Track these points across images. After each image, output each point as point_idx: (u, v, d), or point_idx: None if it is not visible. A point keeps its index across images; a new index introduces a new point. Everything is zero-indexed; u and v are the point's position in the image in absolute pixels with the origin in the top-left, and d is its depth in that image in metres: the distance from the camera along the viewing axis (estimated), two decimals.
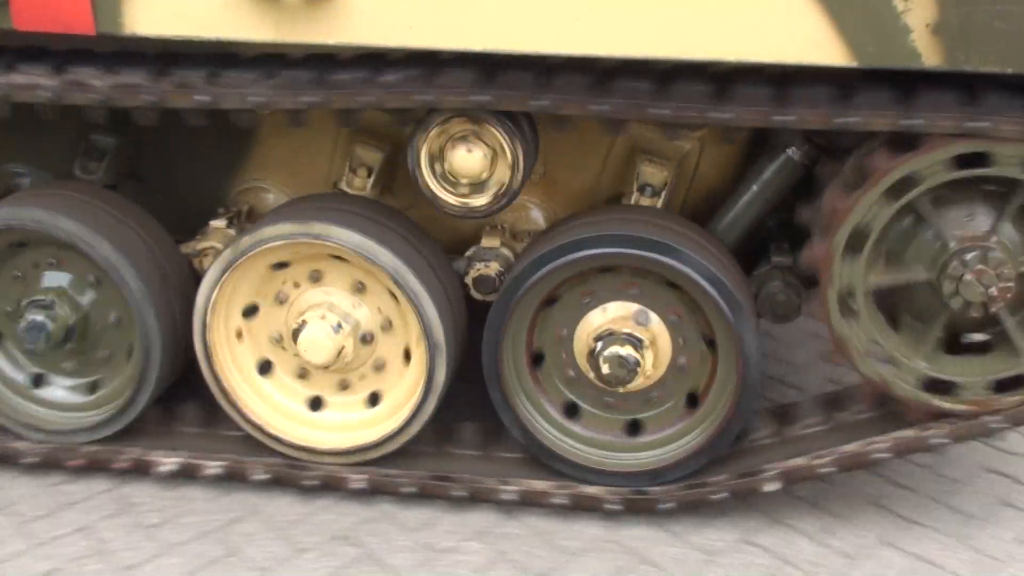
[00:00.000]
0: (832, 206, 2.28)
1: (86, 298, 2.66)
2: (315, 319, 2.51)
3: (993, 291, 2.25)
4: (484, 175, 2.40)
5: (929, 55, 2.06)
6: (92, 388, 2.74)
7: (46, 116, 2.54)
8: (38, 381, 2.75)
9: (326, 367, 2.55)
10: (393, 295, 2.53)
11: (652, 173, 2.58)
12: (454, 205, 2.44)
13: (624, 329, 2.39)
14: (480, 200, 2.43)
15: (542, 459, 2.54)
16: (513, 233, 2.73)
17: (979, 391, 2.38)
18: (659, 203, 2.58)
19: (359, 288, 2.57)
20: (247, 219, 2.81)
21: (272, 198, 2.84)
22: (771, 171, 2.52)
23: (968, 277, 2.25)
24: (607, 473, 2.52)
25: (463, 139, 2.37)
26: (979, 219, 2.29)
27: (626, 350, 2.36)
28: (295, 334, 2.52)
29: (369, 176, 2.67)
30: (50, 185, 2.71)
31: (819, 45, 2.08)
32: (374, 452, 2.59)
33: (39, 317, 2.57)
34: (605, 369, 2.38)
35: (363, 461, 2.61)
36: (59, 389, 2.74)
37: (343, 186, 2.68)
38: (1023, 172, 2.20)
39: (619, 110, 2.25)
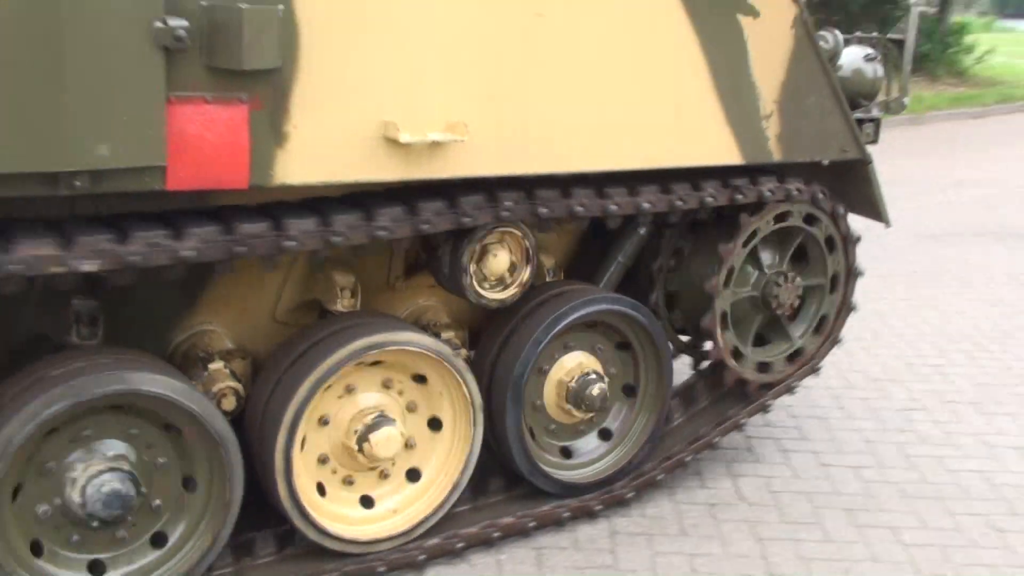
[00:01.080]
0: (718, 254, 3.36)
1: (148, 453, 2.61)
2: (375, 421, 2.86)
3: (788, 302, 3.55)
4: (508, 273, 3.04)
5: (776, 154, 3.27)
6: (157, 541, 2.66)
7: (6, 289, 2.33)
8: (96, 568, 2.58)
9: (394, 458, 2.90)
10: (416, 378, 2.99)
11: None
12: (493, 299, 3.01)
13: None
14: (508, 293, 3.05)
15: None
16: None
17: (781, 366, 3.66)
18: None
19: (388, 384, 2.96)
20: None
21: (220, 338, 2.99)
22: (631, 243, 3.49)
23: (778, 294, 3.51)
24: None
25: (490, 247, 2.98)
26: (780, 257, 3.57)
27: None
28: (361, 440, 2.83)
29: (353, 296, 3.03)
30: (73, 357, 2.56)
31: (727, 151, 3.16)
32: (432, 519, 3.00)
33: (115, 485, 2.49)
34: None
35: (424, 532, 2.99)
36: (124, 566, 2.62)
37: (337, 307, 2.99)
38: (802, 223, 3.53)
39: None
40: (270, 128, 2.39)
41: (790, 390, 3.75)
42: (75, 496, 2.48)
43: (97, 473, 2.48)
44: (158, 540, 2.66)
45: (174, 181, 2.31)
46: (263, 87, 2.36)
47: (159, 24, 2.16)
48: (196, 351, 2.90)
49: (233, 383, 2.84)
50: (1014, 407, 4.52)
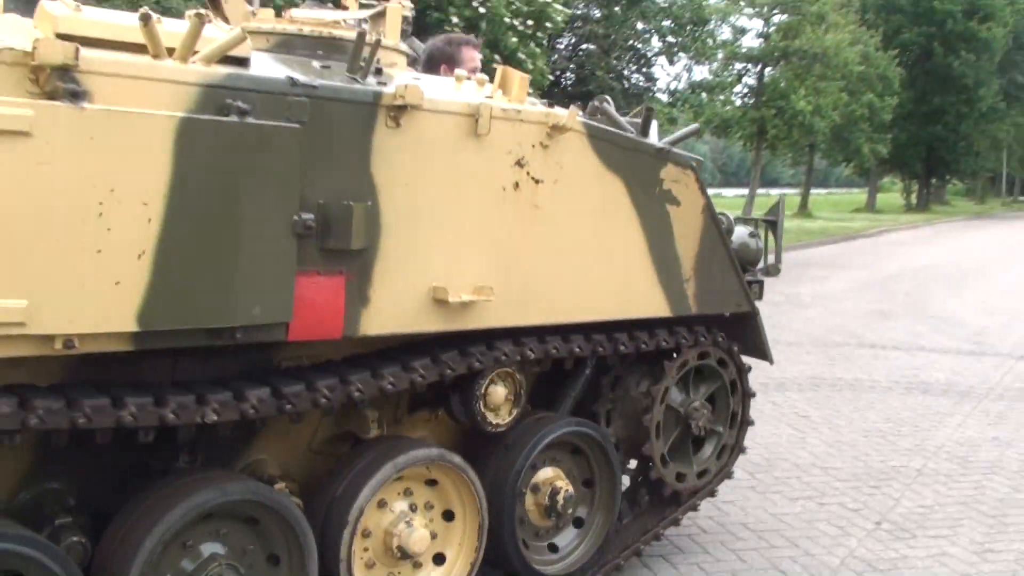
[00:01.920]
0: (650, 394, 4.27)
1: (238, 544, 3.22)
2: (407, 525, 3.57)
3: (704, 424, 4.49)
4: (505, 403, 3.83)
5: (694, 307, 4.24)
6: None
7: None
8: None
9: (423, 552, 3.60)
10: (429, 483, 3.71)
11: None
12: (498, 424, 3.79)
13: None
14: (508, 419, 3.84)
15: None
16: None
17: (712, 466, 4.56)
18: None
19: (408, 492, 3.68)
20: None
21: (271, 465, 3.64)
22: (579, 384, 4.35)
23: (696, 417, 4.44)
24: None
25: (494, 382, 3.78)
26: (697, 391, 4.51)
27: None
28: (401, 543, 3.53)
29: (380, 427, 3.75)
30: (190, 475, 3.18)
31: (660, 306, 4.10)
32: None
33: None
34: None
35: None
36: None
37: (370, 434, 3.70)
38: (718, 366, 4.49)
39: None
40: (358, 293, 3.17)
41: (712, 493, 4.66)
42: None
43: (214, 568, 3.10)
44: None
45: (293, 334, 3.04)
46: (355, 262, 3.14)
47: (296, 217, 2.94)
48: (257, 475, 3.55)
49: (296, 499, 3.49)
50: None
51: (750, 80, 36.82)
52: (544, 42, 19.61)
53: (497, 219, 3.50)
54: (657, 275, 4.06)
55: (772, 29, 36.02)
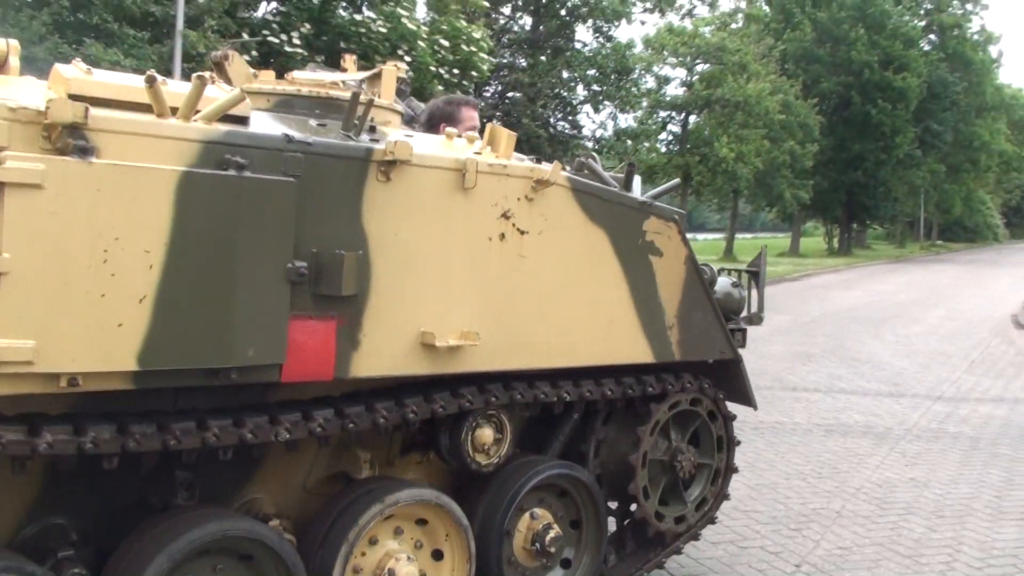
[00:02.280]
0: (636, 436, 4.42)
1: None
2: (397, 563, 3.71)
3: (689, 467, 4.62)
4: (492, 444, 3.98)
5: (678, 354, 4.40)
6: None
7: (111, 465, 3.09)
8: None
9: None
10: (419, 522, 3.85)
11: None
12: (484, 464, 3.94)
13: None
14: (494, 459, 3.99)
15: None
16: None
17: (690, 516, 4.69)
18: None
19: (399, 531, 3.82)
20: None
21: (267, 504, 3.79)
22: (568, 427, 4.50)
23: (683, 462, 4.57)
24: None
25: (480, 425, 3.94)
26: (679, 435, 4.66)
27: None
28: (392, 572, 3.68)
29: (371, 467, 3.91)
30: (187, 511, 3.35)
31: (644, 353, 4.26)
32: None
33: None
34: None
35: None
36: None
37: (362, 476, 3.86)
38: (700, 410, 4.64)
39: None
40: (349, 337, 3.35)
41: (695, 537, 4.79)
42: None
43: None
44: None
45: (286, 375, 3.22)
46: (346, 308, 3.32)
47: (290, 265, 3.13)
48: (253, 513, 3.70)
49: (290, 536, 3.64)
50: None
51: (674, 128, 38.42)
52: (471, 90, 20.03)
53: (483, 268, 3.68)
54: (640, 322, 4.22)
55: (695, 78, 37.58)
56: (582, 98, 30.96)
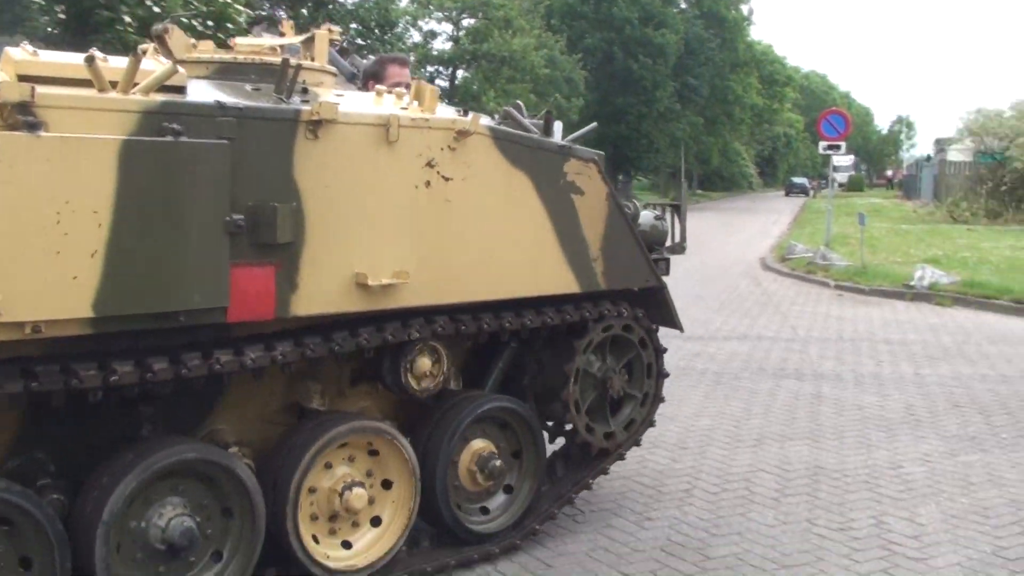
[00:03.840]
0: (572, 349, 4.82)
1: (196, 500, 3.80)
2: (348, 485, 4.14)
3: (618, 387, 5.03)
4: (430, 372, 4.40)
5: (603, 284, 4.79)
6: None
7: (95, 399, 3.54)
8: None
9: (361, 511, 4.17)
10: (370, 452, 4.27)
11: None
12: (418, 390, 4.35)
13: None
14: (425, 384, 4.40)
15: None
16: None
17: (619, 432, 5.11)
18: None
19: (352, 458, 4.25)
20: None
21: (228, 434, 4.21)
22: (503, 359, 4.91)
23: (611, 382, 4.99)
24: None
25: (419, 354, 4.35)
26: (612, 358, 5.06)
27: None
28: (341, 498, 4.11)
29: (323, 397, 4.32)
30: (152, 440, 3.77)
31: (570, 284, 4.65)
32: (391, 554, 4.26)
33: (187, 523, 3.69)
34: None
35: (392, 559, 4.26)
36: None
37: (313, 406, 4.27)
38: (625, 332, 5.03)
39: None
40: (287, 281, 3.73)
41: (622, 457, 5.22)
42: (158, 535, 3.66)
43: (174, 517, 3.68)
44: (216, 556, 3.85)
45: (231, 316, 3.61)
46: (283, 255, 3.70)
47: (227, 218, 3.50)
48: (216, 442, 4.11)
49: (249, 461, 4.06)
50: None
51: (442, 82, 38.28)
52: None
53: (411, 213, 4.06)
54: (566, 256, 4.61)
55: (462, 33, 37.81)
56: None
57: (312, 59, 4.27)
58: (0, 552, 3.35)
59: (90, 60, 3.26)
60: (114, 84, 3.35)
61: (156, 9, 14.80)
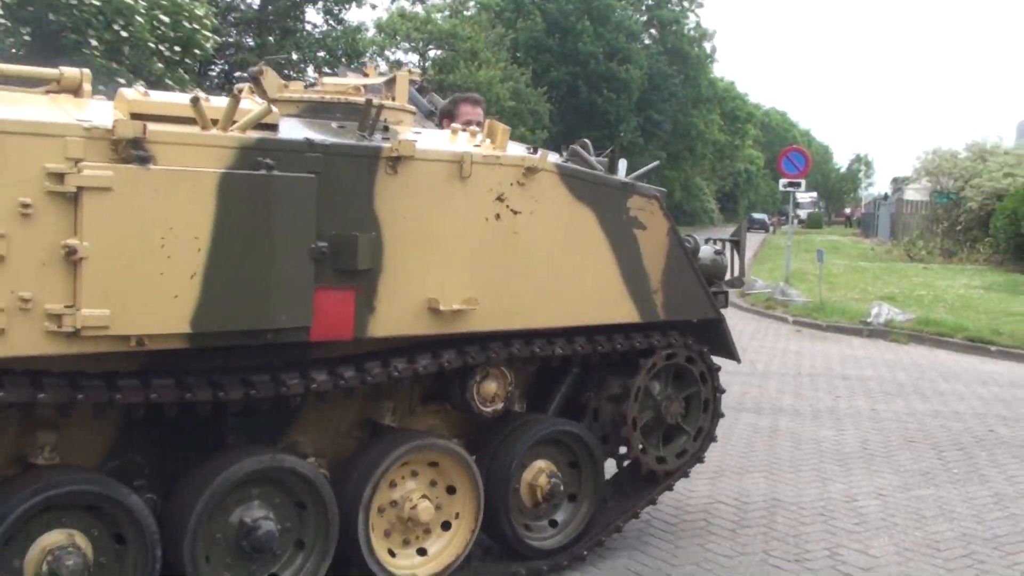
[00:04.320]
0: (626, 386, 5.06)
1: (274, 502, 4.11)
2: (418, 500, 4.43)
3: (674, 413, 5.26)
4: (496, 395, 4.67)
5: (662, 314, 5.02)
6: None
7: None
8: None
9: (431, 520, 4.45)
10: (431, 464, 4.55)
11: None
12: (484, 411, 4.63)
13: None
14: (491, 406, 4.68)
15: None
16: None
17: (672, 459, 5.32)
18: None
19: (415, 473, 4.53)
20: None
21: (305, 446, 4.51)
22: (567, 382, 5.17)
23: (668, 408, 5.21)
24: None
25: (486, 377, 4.62)
26: (672, 387, 5.28)
27: None
28: (410, 512, 4.40)
29: (393, 415, 4.62)
30: (237, 449, 4.09)
31: (630, 314, 4.90)
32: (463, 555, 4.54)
33: (269, 527, 3.99)
34: None
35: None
36: None
37: (386, 422, 4.56)
38: (688, 363, 5.25)
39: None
40: (365, 304, 4.04)
41: (670, 487, 5.43)
42: (241, 535, 3.97)
43: (256, 520, 3.99)
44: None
45: (313, 335, 3.92)
46: (362, 280, 4.01)
47: (312, 245, 3.82)
48: (295, 452, 4.42)
49: (325, 471, 4.36)
50: None
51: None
52: (195, 68, 19.30)
53: (481, 243, 4.35)
54: (627, 287, 4.85)
55: (428, 64, 37.56)
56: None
57: (393, 99, 4.59)
58: (98, 535, 3.71)
59: (195, 100, 3.61)
60: (215, 122, 3.69)
61: (124, 34, 14.80)
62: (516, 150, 4.59)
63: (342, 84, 4.64)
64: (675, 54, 54.32)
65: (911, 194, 40.04)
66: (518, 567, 4.82)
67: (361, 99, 4.32)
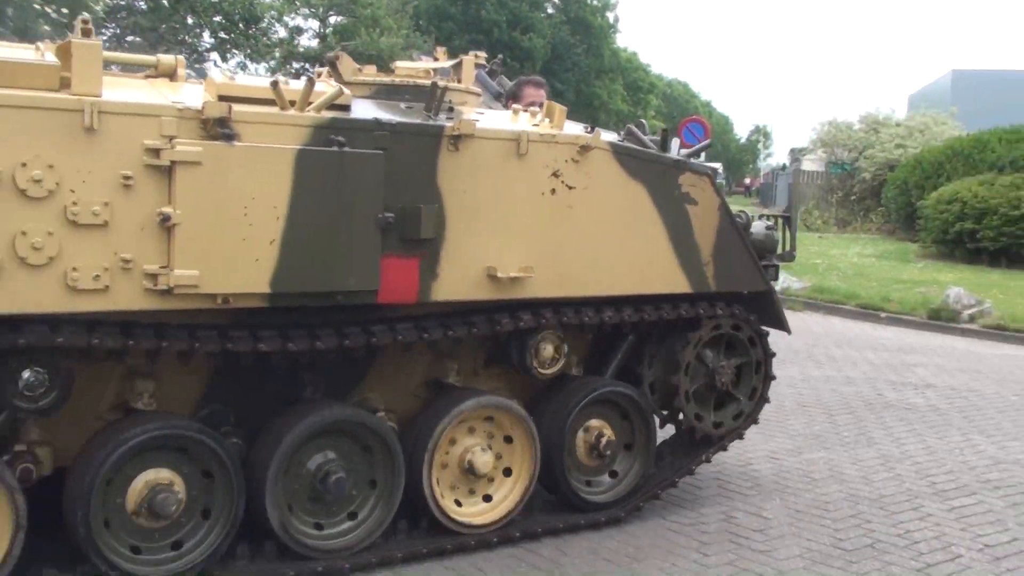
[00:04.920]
0: (676, 359, 5.37)
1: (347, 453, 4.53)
2: (479, 452, 4.81)
3: (727, 380, 5.53)
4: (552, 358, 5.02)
5: (713, 286, 5.32)
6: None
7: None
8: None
9: (492, 470, 4.83)
10: (487, 420, 4.92)
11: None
12: (542, 373, 4.98)
13: None
14: (553, 370, 5.03)
15: None
16: None
17: (728, 423, 5.61)
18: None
19: (472, 430, 4.90)
20: None
21: (376, 401, 4.92)
22: (622, 349, 5.49)
23: (721, 376, 5.49)
24: None
25: (543, 341, 4.97)
26: (724, 355, 5.57)
27: None
28: (470, 465, 4.78)
29: (459, 375, 5.00)
30: (316, 402, 4.52)
31: (679, 284, 5.19)
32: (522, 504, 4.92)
33: (340, 475, 4.42)
34: None
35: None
36: None
37: (450, 381, 4.95)
38: (735, 331, 5.53)
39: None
40: (428, 270, 4.41)
41: (724, 448, 5.71)
42: (315, 480, 4.39)
43: (327, 466, 4.41)
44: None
45: (380, 298, 4.32)
46: (426, 248, 4.39)
47: (380, 216, 4.21)
48: (366, 407, 4.83)
49: (393, 424, 4.76)
50: None
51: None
52: (83, 29, 18.63)
53: (537, 216, 4.69)
54: (677, 259, 5.14)
55: (328, 30, 36.26)
56: (209, 46, 29.41)
57: (459, 81, 4.95)
58: (189, 473, 4.18)
59: (274, 84, 4.03)
60: (292, 103, 4.10)
61: None
62: (573, 129, 4.92)
63: (413, 68, 5.02)
64: (578, 24, 52.86)
65: (808, 165, 40.14)
66: (578, 518, 5.17)
67: (427, 82, 4.69)
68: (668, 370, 5.47)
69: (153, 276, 3.81)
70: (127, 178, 3.74)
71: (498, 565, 4.71)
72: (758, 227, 5.71)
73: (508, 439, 5.00)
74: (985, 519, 5.66)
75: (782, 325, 5.74)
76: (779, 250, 5.80)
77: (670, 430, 5.78)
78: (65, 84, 3.74)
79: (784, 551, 5.10)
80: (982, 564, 5.01)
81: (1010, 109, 30.68)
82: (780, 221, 5.84)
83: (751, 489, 6.10)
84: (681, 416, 5.55)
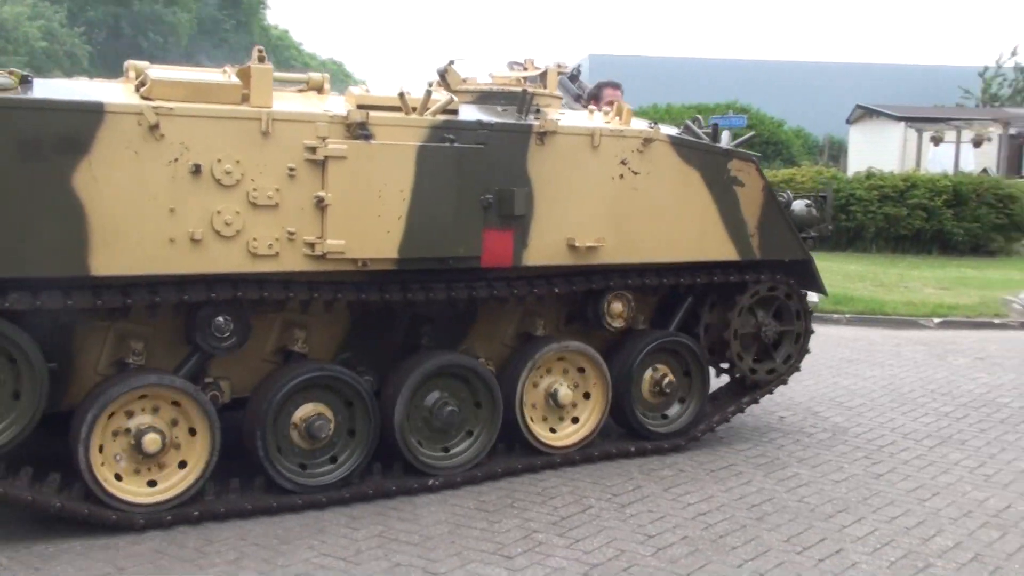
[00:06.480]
0: (727, 317, 6.38)
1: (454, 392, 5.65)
2: (561, 386, 5.89)
3: (772, 335, 6.53)
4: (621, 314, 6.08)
5: (758, 254, 6.31)
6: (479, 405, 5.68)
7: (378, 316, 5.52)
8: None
9: (568, 405, 5.91)
10: (579, 370, 5.99)
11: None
12: (613, 327, 6.05)
13: None
14: (618, 323, 6.10)
15: None
16: None
17: (762, 373, 6.60)
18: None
19: (565, 372, 5.98)
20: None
21: (476, 352, 6.02)
22: (681, 308, 6.51)
23: (767, 331, 6.49)
24: None
25: (613, 300, 6.04)
26: (762, 313, 6.56)
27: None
28: (553, 396, 5.86)
29: (545, 329, 6.07)
30: (430, 350, 5.65)
31: (728, 252, 6.20)
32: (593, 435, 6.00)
33: (451, 407, 5.54)
34: None
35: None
36: None
37: (539, 333, 6.03)
38: (778, 293, 6.52)
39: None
40: (520, 241, 5.50)
41: (784, 382, 6.70)
42: (430, 413, 5.52)
43: (441, 401, 5.53)
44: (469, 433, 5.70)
45: (483, 262, 5.42)
46: (518, 223, 5.48)
47: (482, 197, 5.31)
48: (470, 355, 5.93)
49: (492, 368, 5.86)
50: None
51: None
52: None
53: (608, 196, 5.74)
54: (727, 232, 6.16)
55: None
56: None
57: (544, 87, 6.03)
58: (334, 405, 5.30)
59: (401, 94, 5.15)
60: (414, 109, 5.22)
61: None
62: (638, 124, 5.96)
63: (507, 77, 6.11)
64: None
65: None
66: (643, 443, 6.22)
67: (518, 89, 5.78)
68: (720, 331, 6.47)
69: (311, 244, 4.96)
70: (292, 170, 4.89)
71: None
72: (798, 205, 6.68)
73: (581, 370, 6.06)
74: None
75: (820, 288, 6.70)
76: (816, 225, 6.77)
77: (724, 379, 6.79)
78: (245, 99, 4.90)
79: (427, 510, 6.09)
80: None
81: (643, 93, 31.07)
82: (818, 200, 6.80)
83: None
84: (729, 365, 6.55)
